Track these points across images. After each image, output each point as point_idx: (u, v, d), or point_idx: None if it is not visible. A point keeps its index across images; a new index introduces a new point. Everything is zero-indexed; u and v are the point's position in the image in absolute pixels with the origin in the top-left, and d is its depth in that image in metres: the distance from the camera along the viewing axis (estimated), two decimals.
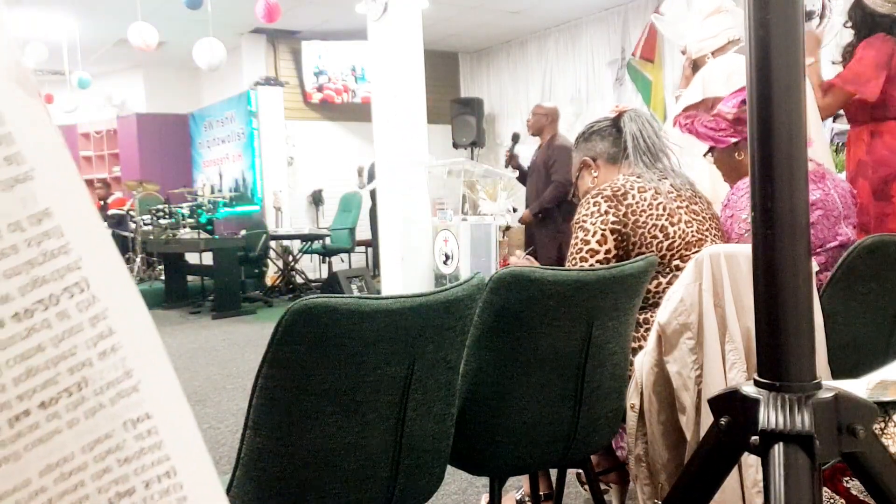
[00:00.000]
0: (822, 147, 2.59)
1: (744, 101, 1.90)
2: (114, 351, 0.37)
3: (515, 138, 5.18)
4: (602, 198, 1.73)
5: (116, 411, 0.37)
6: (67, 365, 0.36)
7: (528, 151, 5.47)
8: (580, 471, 2.28)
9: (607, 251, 1.71)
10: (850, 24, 2.91)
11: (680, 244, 1.73)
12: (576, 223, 1.78)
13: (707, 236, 1.76)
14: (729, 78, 2.47)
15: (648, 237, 1.71)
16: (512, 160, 5.17)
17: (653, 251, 1.70)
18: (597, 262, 1.70)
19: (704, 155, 1.97)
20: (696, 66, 2.79)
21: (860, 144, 2.91)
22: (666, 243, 1.72)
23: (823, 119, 2.88)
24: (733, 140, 1.88)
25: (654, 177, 1.78)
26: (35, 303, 0.35)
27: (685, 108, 2.27)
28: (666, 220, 1.72)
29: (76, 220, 0.37)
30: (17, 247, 0.35)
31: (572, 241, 1.78)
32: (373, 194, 7.62)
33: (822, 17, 2.95)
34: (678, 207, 1.75)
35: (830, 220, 1.77)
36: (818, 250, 1.75)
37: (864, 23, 2.84)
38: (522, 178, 5.25)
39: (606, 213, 1.72)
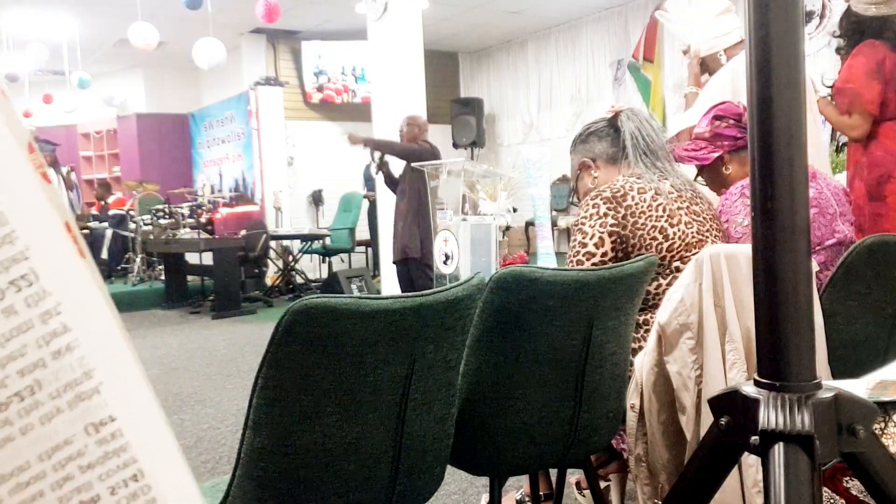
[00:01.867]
0: (820, 152, 2.60)
1: (715, 118, 1.94)
2: (70, 350, 0.34)
3: None
4: (601, 199, 1.73)
5: (76, 415, 0.34)
6: (17, 367, 0.33)
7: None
8: (578, 480, 2.29)
9: (604, 254, 1.71)
10: (838, 33, 2.93)
11: (680, 245, 1.72)
12: (575, 225, 1.78)
13: (707, 237, 1.76)
14: None
15: (648, 239, 1.71)
16: (383, 167, 5.32)
17: (652, 253, 1.70)
18: (592, 265, 1.70)
19: (695, 178, 1.99)
20: (704, 63, 2.78)
21: (858, 146, 2.92)
22: (666, 245, 1.71)
23: (858, 139, 2.88)
24: (715, 155, 1.92)
25: (654, 177, 1.78)
26: None
27: (669, 140, 2.30)
28: (666, 221, 1.72)
29: (22, 208, 0.33)
30: None
31: (571, 243, 1.78)
32: (370, 198, 7.63)
33: (822, 16, 2.96)
34: (678, 208, 1.74)
35: (826, 217, 1.77)
36: (817, 248, 1.75)
37: (855, 29, 2.85)
38: (394, 186, 5.38)
39: (605, 215, 1.71)
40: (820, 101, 2.93)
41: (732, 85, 2.53)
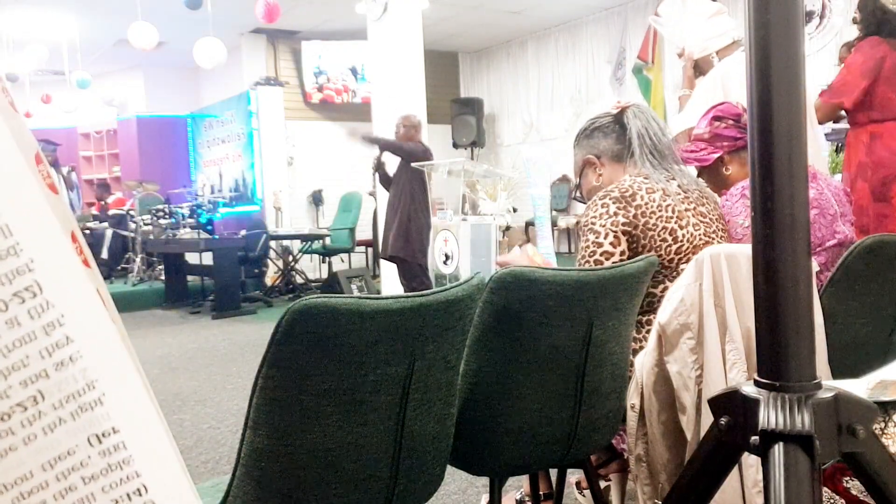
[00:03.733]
0: (815, 153, 2.60)
1: (714, 118, 1.94)
2: (73, 361, 0.34)
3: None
4: (610, 199, 1.69)
5: (79, 426, 0.34)
6: (19, 377, 0.33)
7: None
8: (578, 480, 2.28)
9: (622, 252, 1.66)
10: (858, 15, 2.91)
11: (688, 248, 1.69)
12: (584, 225, 1.73)
13: (713, 238, 1.73)
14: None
15: (658, 240, 1.68)
16: (380, 167, 5.40)
17: (661, 254, 1.67)
18: (612, 264, 1.64)
19: (696, 178, 1.99)
20: (697, 65, 2.78)
21: (860, 146, 2.91)
22: (675, 247, 1.69)
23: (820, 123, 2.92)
24: (715, 156, 1.92)
25: (661, 177, 1.74)
26: None
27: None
28: (675, 222, 1.69)
29: (27, 220, 0.34)
30: None
31: (582, 244, 1.73)
32: (376, 197, 7.64)
33: (822, 17, 2.97)
34: (686, 210, 1.72)
35: (827, 218, 1.77)
36: (818, 249, 1.75)
37: (873, 18, 2.84)
38: (388, 184, 5.46)
39: (616, 214, 1.67)
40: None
41: (723, 88, 2.53)
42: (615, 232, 1.67)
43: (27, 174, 0.34)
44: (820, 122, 2.88)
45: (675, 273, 1.70)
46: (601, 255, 1.67)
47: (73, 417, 0.34)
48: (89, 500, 0.35)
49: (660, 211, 1.69)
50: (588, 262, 1.69)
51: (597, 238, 1.68)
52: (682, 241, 1.69)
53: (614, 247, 1.67)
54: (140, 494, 0.36)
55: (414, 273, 5.18)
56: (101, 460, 0.35)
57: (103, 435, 0.35)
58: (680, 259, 1.69)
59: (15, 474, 0.33)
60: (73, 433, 0.34)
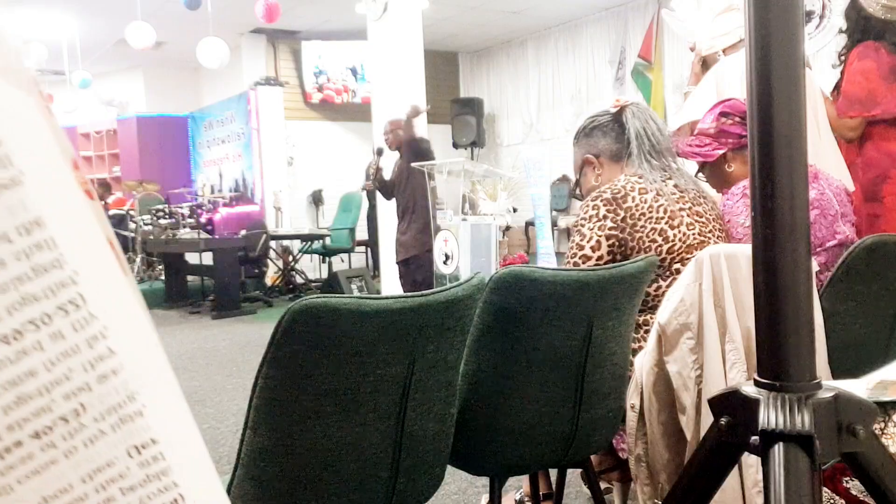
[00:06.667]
0: (834, 157, 2.58)
1: (721, 114, 1.92)
2: (115, 374, 0.34)
3: (380, 152, 5.35)
4: (601, 201, 1.72)
5: (119, 438, 0.34)
6: (63, 391, 0.33)
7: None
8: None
9: (599, 258, 1.71)
10: (845, 26, 2.90)
11: (680, 247, 1.71)
12: (574, 225, 1.77)
13: (710, 238, 1.74)
14: (743, 77, 2.45)
15: (647, 241, 1.70)
16: (377, 173, 5.33)
17: (652, 255, 1.69)
18: (588, 267, 1.70)
19: (697, 173, 1.98)
20: (706, 62, 2.78)
21: (852, 146, 2.91)
22: (665, 247, 1.70)
23: (851, 141, 2.86)
24: (719, 152, 1.91)
25: (657, 177, 1.76)
26: (25, 323, 0.32)
27: (671, 133, 2.29)
28: (666, 223, 1.71)
29: (71, 230, 0.34)
30: (5, 261, 0.32)
31: (569, 244, 1.78)
32: (370, 195, 7.63)
33: (822, 17, 2.95)
34: (680, 209, 1.73)
35: (828, 218, 1.77)
36: (818, 250, 1.75)
37: (857, 26, 2.84)
38: (388, 192, 5.38)
39: (604, 217, 1.70)
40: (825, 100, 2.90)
41: (717, 87, 2.52)
42: (599, 237, 1.71)
43: (72, 183, 0.34)
44: (852, 140, 2.83)
45: (668, 272, 1.72)
46: (580, 258, 1.72)
47: (113, 429, 0.34)
48: None
49: (650, 212, 1.70)
50: (569, 263, 1.74)
51: (580, 241, 1.73)
52: (673, 241, 1.71)
53: (593, 251, 1.71)
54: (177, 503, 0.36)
55: (422, 267, 5.16)
56: (139, 471, 0.35)
57: (142, 446, 0.35)
58: (673, 259, 1.71)
59: (55, 487, 0.33)
60: (113, 445, 0.34)
